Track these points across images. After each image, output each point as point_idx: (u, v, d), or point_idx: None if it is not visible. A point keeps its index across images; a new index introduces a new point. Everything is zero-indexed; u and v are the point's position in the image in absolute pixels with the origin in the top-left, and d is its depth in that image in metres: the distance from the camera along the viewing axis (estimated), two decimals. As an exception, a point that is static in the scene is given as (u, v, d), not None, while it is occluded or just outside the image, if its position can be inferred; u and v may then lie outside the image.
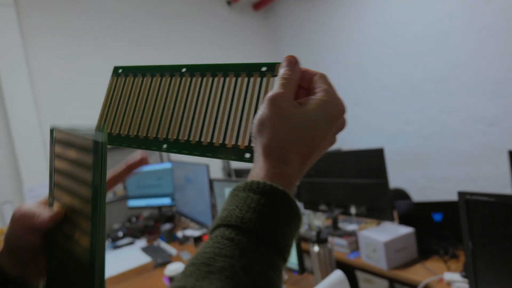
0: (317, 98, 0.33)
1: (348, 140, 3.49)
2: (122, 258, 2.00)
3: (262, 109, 0.33)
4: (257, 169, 0.31)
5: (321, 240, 1.19)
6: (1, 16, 2.85)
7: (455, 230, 1.48)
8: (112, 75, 0.47)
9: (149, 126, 0.42)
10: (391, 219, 1.58)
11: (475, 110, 2.66)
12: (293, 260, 1.28)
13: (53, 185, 0.39)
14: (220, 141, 0.38)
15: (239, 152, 0.37)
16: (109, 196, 2.97)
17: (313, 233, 1.62)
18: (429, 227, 1.51)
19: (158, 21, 3.67)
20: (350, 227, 1.76)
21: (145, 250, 2.06)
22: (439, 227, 1.50)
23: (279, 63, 0.37)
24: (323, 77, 0.35)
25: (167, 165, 2.56)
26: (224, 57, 4.01)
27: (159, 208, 2.60)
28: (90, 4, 3.33)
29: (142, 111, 0.43)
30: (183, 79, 0.42)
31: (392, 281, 1.44)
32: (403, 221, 1.56)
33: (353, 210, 1.69)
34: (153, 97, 0.44)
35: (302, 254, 1.25)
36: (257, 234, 0.27)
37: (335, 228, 1.74)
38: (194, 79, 0.42)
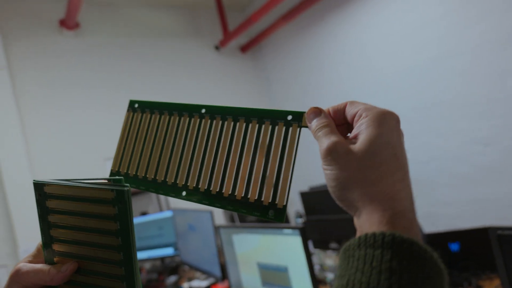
0: (367, 121, 0.30)
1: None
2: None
3: (329, 165, 0.29)
4: (365, 222, 0.27)
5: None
6: (-5, 78, 2.88)
7: (474, 259, 1.44)
8: (128, 110, 0.45)
9: (167, 169, 0.40)
10: (406, 252, 1.53)
11: (469, 132, 2.70)
12: (312, 307, 1.21)
13: (49, 240, 0.37)
14: (242, 194, 0.36)
15: (262, 209, 0.35)
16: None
17: (330, 277, 1.55)
18: (446, 258, 1.46)
19: (147, 68, 3.75)
20: (364, 264, 1.70)
21: (151, 307, 1.95)
22: (458, 257, 1.45)
23: (305, 112, 0.35)
24: (354, 102, 0.33)
25: (167, 214, 2.49)
26: (215, 100, 4.08)
27: (162, 259, 2.50)
28: (79, 57, 3.40)
29: (160, 151, 0.41)
30: (203, 120, 0.40)
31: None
32: (419, 253, 1.52)
33: (365, 246, 1.65)
34: (171, 138, 0.41)
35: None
36: None
37: (349, 266, 1.68)
38: (214, 122, 0.40)
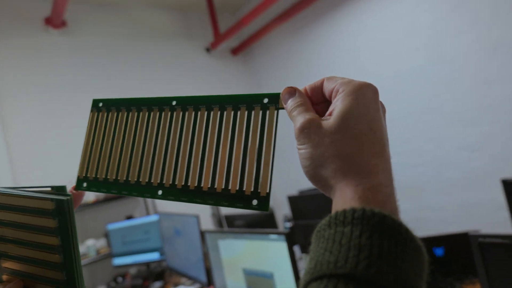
0: (343, 95, 0.28)
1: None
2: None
3: (302, 144, 0.28)
4: (338, 199, 0.25)
5: None
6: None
7: (458, 263, 1.43)
8: (92, 110, 0.42)
9: (139, 169, 0.37)
10: (394, 258, 1.52)
11: (458, 138, 2.72)
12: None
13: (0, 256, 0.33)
14: (222, 187, 0.33)
15: (245, 199, 0.32)
16: (92, 255, 2.78)
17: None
18: (431, 263, 1.45)
19: (136, 69, 3.70)
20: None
21: (134, 314, 1.89)
22: (442, 262, 1.44)
23: (280, 93, 0.33)
24: (331, 78, 0.31)
25: (154, 218, 2.44)
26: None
27: (147, 264, 2.44)
28: (65, 57, 3.33)
29: (130, 151, 0.38)
30: (174, 113, 0.38)
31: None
32: (406, 259, 1.50)
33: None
34: (141, 135, 0.39)
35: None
36: (363, 278, 0.20)
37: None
38: (187, 114, 0.37)
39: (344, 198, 0.25)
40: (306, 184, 3.02)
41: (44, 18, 3.21)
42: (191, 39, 4.19)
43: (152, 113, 0.39)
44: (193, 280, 1.91)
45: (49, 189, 0.31)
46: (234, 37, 4.16)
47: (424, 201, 2.95)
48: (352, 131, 0.26)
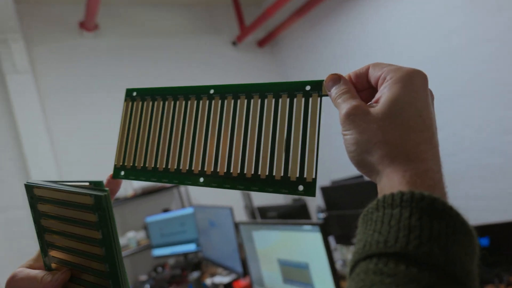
0: (390, 83, 0.28)
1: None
2: (151, 314, 1.92)
3: (347, 130, 0.28)
4: (386, 184, 0.25)
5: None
6: (21, 82, 2.99)
7: (505, 254, 1.37)
8: (126, 99, 0.42)
9: (179, 157, 0.38)
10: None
11: (500, 122, 2.56)
12: (334, 304, 1.19)
13: (45, 245, 0.35)
14: (267, 173, 0.33)
15: (290, 185, 0.32)
16: (133, 246, 2.92)
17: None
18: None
19: (164, 67, 3.78)
20: (389, 260, 1.65)
21: (175, 302, 1.97)
22: (487, 252, 1.38)
23: (324, 80, 0.33)
24: (377, 64, 0.30)
25: (189, 210, 2.52)
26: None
27: (185, 255, 2.53)
28: (99, 58, 3.47)
29: (169, 139, 0.39)
30: (213, 101, 0.38)
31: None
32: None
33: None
34: (179, 123, 0.39)
35: (343, 297, 1.16)
36: (414, 257, 0.20)
37: (372, 262, 1.64)
38: (226, 102, 0.37)
39: (391, 183, 0.25)
40: (338, 174, 2.98)
41: (79, 22, 3.37)
42: (217, 34, 4.22)
43: (189, 102, 0.39)
44: (229, 270, 1.96)
45: (87, 183, 0.33)
46: (260, 29, 4.14)
47: (464, 189, 2.82)
48: (400, 118, 0.26)
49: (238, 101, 0.37)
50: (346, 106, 0.29)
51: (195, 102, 0.39)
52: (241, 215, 2.85)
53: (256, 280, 1.59)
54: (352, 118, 0.28)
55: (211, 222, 2.14)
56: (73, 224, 0.33)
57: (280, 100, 0.35)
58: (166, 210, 3.09)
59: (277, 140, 0.34)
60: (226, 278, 2.06)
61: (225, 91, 0.38)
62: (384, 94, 0.28)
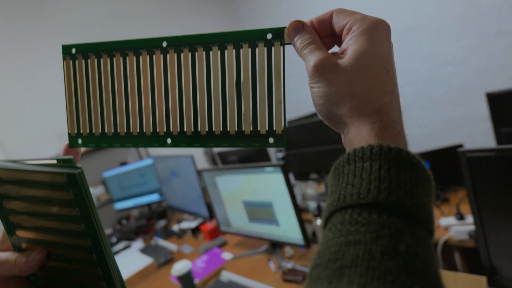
0: (356, 35, 0.28)
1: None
2: (122, 264, 1.97)
3: (316, 83, 0.28)
4: (355, 137, 0.26)
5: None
6: None
7: (442, 176, 1.54)
8: (64, 57, 0.38)
9: (140, 119, 0.36)
10: (382, 176, 1.61)
11: (442, 54, 2.70)
12: (297, 235, 1.29)
13: (11, 227, 0.33)
14: (236, 129, 0.33)
15: (261, 138, 0.32)
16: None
17: (312, 205, 1.63)
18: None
19: (100, 10, 3.41)
20: (344, 191, 1.79)
21: (144, 251, 2.03)
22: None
23: (285, 27, 0.31)
24: (341, 11, 0.30)
25: (148, 161, 2.48)
26: (182, 26, 3.82)
27: (149, 205, 2.54)
28: (23, 2, 3.02)
29: (125, 101, 0.36)
30: (168, 56, 0.35)
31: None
32: (394, 176, 1.60)
33: (344, 174, 1.71)
34: (133, 82, 0.36)
35: (304, 227, 1.26)
36: (384, 206, 0.22)
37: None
38: (182, 56, 0.34)
39: (360, 136, 0.26)
40: (293, 113, 3.05)
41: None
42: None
43: (141, 57, 0.36)
44: (195, 215, 2.02)
45: (54, 161, 0.30)
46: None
47: (410, 119, 3.03)
48: (368, 70, 0.27)
49: (196, 54, 0.34)
50: (313, 58, 0.28)
51: (147, 57, 0.35)
52: (201, 162, 2.87)
53: (223, 221, 1.66)
54: (321, 71, 0.28)
55: (173, 172, 2.14)
56: (43, 204, 0.31)
57: (241, 50, 0.33)
58: (123, 164, 3.02)
59: (242, 94, 0.33)
60: (192, 223, 2.12)
61: (180, 43, 0.34)
62: (350, 46, 0.28)
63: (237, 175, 1.45)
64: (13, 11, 2.97)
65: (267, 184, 1.32)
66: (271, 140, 0.32)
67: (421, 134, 2.98)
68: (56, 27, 3.12)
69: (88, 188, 0.29)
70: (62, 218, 0.31)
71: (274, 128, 0.32)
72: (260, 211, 1.42)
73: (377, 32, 0.28)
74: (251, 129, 0.33)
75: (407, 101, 2.99)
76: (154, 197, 2.47)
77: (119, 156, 3.27)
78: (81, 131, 0.38)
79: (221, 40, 0.33)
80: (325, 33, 0.31)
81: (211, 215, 1.87)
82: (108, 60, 0.37)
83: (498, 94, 1.14)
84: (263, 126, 0.32)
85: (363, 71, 0.27)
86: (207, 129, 0.34)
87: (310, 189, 1.97)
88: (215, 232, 1.84)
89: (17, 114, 2.86)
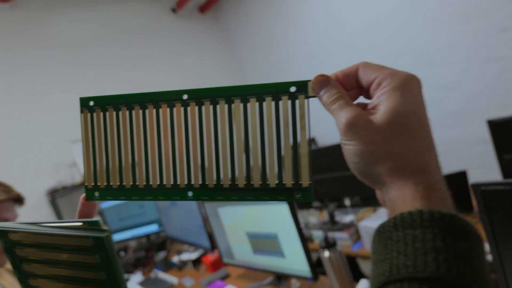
0: (388, 90, 0.27)
1: (328, 134, 3.53)
2: (121, 300, 1.89)
3: (350, 140, 0.27)
4: (397, 198, 0.25)
5: (329, 244, 1.18)
6: None
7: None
8: (82, 110, 0.37)
9: (160, 171, 0.35)
10: (386, 203, 1.61)
11: (434, 79, 2.77)
12: (303, 267, 1.26)
13: None
14: (260, 182, 0.32)
15: (287, 192, 0.32)
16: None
17: (316, 234, 1.60)
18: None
19: (97, 38, 3.47)
20: (347, 218, 1.77)
21: (144, 284, 1.96)
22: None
23: (309, 80, 0.32)
24: (368, 66, 0.30)
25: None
26: (180, 65, 3.89)
27: (147, 236, 2.49)
28: (18, 32, 3.07)
29: (144, 153, 0.36)
30: (188, 108, 0.35)
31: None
32: (398, 203, 1.60)
33: (347, 202, 1.71)
34: (153, 134, 0.35)
35: (312, 260, 1.24)
36: (445, 281, 0.20)
37: (332, 222, 1.75)
38: (204, 108, 0.34)
39: (404, 198, 0.25)
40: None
41: (-12, -8, 2.90)
42: (155, 1, 3.92)
43: (160, 110, 0.36)
44: (196, 246, 1.97)
45: (80, 224, 0.29)
46: (200, -7, 3.91)
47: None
48: (404, 128, 0.26)
49: (218, 106, 0.34)
50: (345, 115, 0.28)
51: (168, 110, 0.35)
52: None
53: (226, 253, 1.62)
54: (354, 129, 0.27)
55: (172, 202, 2.11)
56: (66, 267, 0.30)
57: (264, 103, 0.33)
58: (121, 193, 2.97)
59: (266, 146, 0.33)
60: (193, 254, 2.07)
61: (201, 96, 0.35)
62: (383, 102, 0.27)
63: (240, 206, 1.43)
64: (6, 43, 3.01)
65: (272, 215, 1.31)
66: (297, 193, 0.32)
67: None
68: (50, 55, 3.16)
69: (115, 251, 0.28)
70: (86, 283, 0.30)
71: (301, 182, 0.32)
72: (264, 242, 1.39)
73: (410, 87, 0.27)
74: (276, 182, 0.32)
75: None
76: (153, 228, 2.43)
77: (116, 185, 3.23)
78: (99, 184, 0.37)
79: (244, 93, 0.34)
80: (350, 86, 0.31)
81: (213, 245, 1.83)
82: (127, 112, 0.36)
83: (499, 121, 1.16)
84: (289, 179, 0.32)
85: (399, 128, 0.26)
86: (230, 182, 0.34)
87: (312, 217, 1.95)
88: (218, 264, 1.80)
89: (11, 146, 2.84)
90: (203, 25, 4.30)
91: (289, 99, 0.32)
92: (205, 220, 1.80)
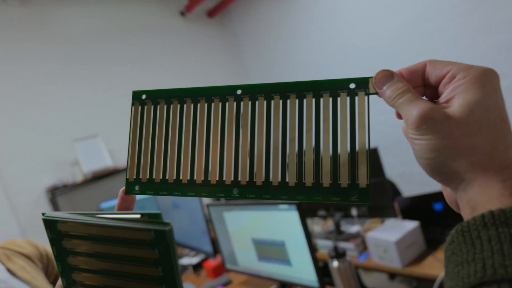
0: (465, 82, 0.26)
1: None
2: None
3: (424, 135, 0.26)
4: (480, 195, 0.24)
5: (339, 254, 1.16)
6: None
7: (455, 216, 1.52)
8: (134, 103, 0.37)
9: (206, 167, 0.34)
10: (394, 215, 1.59)
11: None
12: (310, 277, 1.24)
13: (72, 285, 0.31)
14: (313, 180, 0.31)
15: (342, 193, 0.30)
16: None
17: (321, 243, 1.58)
18: (431, 217, 1.53)
19: (106, 38, 3.47)
20: (353, 229, 1.75)
21: (142, 288, 1.92)
22: (441, 216, 1.52)
23: (371, 77, 0.31)
24: (436, 62, 0.28)
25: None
26: (186, 68, 3.89)
27: (147, 238, 2.45)
28: (28, 28, 3.07)
29: (191, 147, 0.35)
30: (241, 103, 0.34)
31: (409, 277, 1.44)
32: (406, 215, 1.58)
33: (354, 211, 1.69)
34: (202, 129, 0.35)
35: (319, 269, 1.21)
36: None
37: (338, 232, 1.73)
38: (257, 103, 0.33)
39: (489, 195, 0.24)
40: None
41: (0, -13, 2.90)
42: (164, 3, 3.94)
43: (213, 104, 0.35)
44: (197, 251, 1.94)
45: (138, 216, 0.28)
46: (210, -2, 3.94)
47: (409, 155, 3.05)
48: (485, 122, 0.25)
49: (272, 102, 0.33)
50: (417, 108, 0.26)
51: (220, 104, 0.35)
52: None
53: (229, 259, 1.59)
54: (430, 123, 0.25)
55: (175, 204, 2.08)
56: (119, 262, 0.28)
57: (321, 100, 0.32)
58: (121, 194, 2.94)
59: (321, 143, 0.31)
60: (194, 258, 2.04)
61: (255, 91, 0.34)
62: (459, 95, 0.26)
63: (248, 211, 1.41)
64: (9, 39, 3.00)
65: (281, 222, 1.28)
66: (353, 195, 0.30)
67: (422, 170, 2.98)
68: (54, 52, 3.15)
69: (175, 246, 0.27)
70: (140, 279, 0.28)
71: (357, 182, 0.30)
72: (271, 249, 1.36)
73: (489, 80, 0.26)
74: (331, 181, 0.31)
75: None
76: (153, 230, 2.39)
77: (118, 186, 3.20)
78: (140, 177, 0.36)
79: (300, 89, 0.33)
80: (415, 84, 0.30)
81: (215, 251, 1.80)
82: (178, 106, 0.36)
83: None
84: (344, 179, 0.30)
85: (480, 122, 0.25)
86: (280, 180, 0.32)
87: (317, 226, 1.92)
88: (220, 270, 1.77)
89: (13, 143, 2.82)
90: (210, 29, 4.31)
91: (348, 95, 0.31)
92: (208, 224, 1.78)
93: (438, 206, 1.53)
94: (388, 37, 2.95)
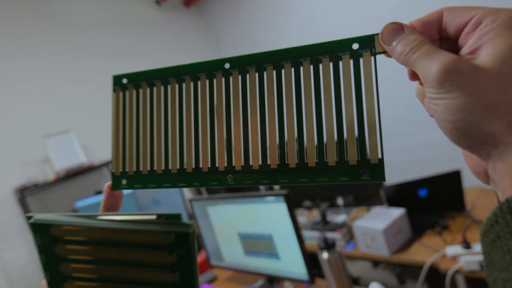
0: (493, 28, 0.21)
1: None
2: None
3: (448, 92, 0.21)
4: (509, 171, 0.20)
5: (329, 245, 1.12)
6: None
7: (440, 202, 1.52)
8: (115, 89, 0.34)
9: (196, 153, 0.30)
10: (380, 203, 1.58)
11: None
12: (300, 270, 1.20)
13: None
14: (316, 160, 0.27)
15: (351, 171, 0.26)
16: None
17: (307, 235, 1.55)
18: (416, 204, 1.53)
19: (78, 27, 3.29)
20: (339, 218, 1.73)
21: None
22: (426, 202, 1.53)
23: (377, 34, 0.26)
24: (456, 8, 0.23)
25: (127, 190, 2.31)
26: (162, 59, 3.76)
27: (126, 237, 2.36)
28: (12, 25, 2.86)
29: (179, 133, 0.31)
30: (230, 78, 0.29)
31: (395, 265, 1.44)
32: (392, 203, 1.57)
33: (340, 201, 1.66)
34: (189, 110, 0.31)
35: (310, 262, 1.18)
36: None
37: (324, 222, 1.70)
38: (248, 77, 0.29)
39: None
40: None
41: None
42: (137, -9, 3.77)
43: (199, 83, 0.30)
44: (180, 247, 1.87)
45: (153, 217, 0.24)
46: (185, -14, 3.80)
47: (392, 144, 3.08)
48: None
49: (265, 73, 0.29)
50: (438, 61, 0.21)
51: (207, 81, 0.30)
52: (185, 190, 2.73)
53: (213, 254, 1.54)
54: (455, 77, 0.21)
55: (155, 201, 2.00)
56: (121, 267, 0.25)
57: (320, 66, 0.27)
58: (99, 192, 2.82)
59: (323, 116, 0.27)
60: (177, 255, 1.97)
61: (245, 64, 0.29)
62: (488, 43, 0.21)
63: (233, 204, 1.35)
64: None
65: (268, 215, 1.24)
66: (364, 172, 0.26)
67: (404, 158, 3.02)
68: (22, 43, 2.96)
69: (196, 250, 0.24)
70: (151, 285, 0.25)
71: (368, 157, 0.26)
72: (258, 243, 1.32)
73: None
74: (337, 159, 0.26)
75: (389, 126, 3.05)
76: (133, 228, 2.30)
77: (94, 184, 3.06)
78: (127, 170, 0.33)
79: (295, 56, 0.28)
80: (430, 37, 0.25)
81: (199, 247, 1.74)
82: (162, 88, 0.32)
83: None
84: (352, 155, 0.26)
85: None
86: (278, 161, 0.28)
87: (302, 217, 1.90)
88: (204, 266, 1.71)
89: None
90: (187, 19, 4.18)
91: (351, 58, 0.27)
92: (191, 220, 1.71)
93: (422, 192, 1.53)
94: (372, 23, 2.94)
